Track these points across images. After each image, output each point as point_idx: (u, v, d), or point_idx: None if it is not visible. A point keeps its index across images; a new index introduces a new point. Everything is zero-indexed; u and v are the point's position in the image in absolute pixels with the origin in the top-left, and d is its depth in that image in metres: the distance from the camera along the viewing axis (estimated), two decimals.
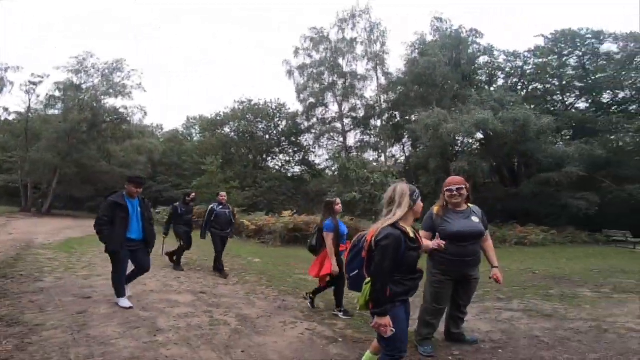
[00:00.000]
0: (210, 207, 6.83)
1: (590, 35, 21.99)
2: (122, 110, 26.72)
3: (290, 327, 3.74)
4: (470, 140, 20.55)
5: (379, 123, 24.07)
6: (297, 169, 29.46)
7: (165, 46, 74.26)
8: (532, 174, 20.61)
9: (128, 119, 27.28)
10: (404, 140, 24.21)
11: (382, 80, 23.72)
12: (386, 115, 23.86)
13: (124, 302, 4.11)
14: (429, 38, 22.02)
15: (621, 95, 22.67)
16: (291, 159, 29.54)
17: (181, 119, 75.23)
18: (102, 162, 26.76)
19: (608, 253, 12.06)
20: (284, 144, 28.27)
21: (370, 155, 25.01)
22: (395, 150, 25.14)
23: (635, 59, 20.50)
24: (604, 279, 6.57)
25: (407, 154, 24.45)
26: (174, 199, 25.99)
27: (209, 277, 6.26)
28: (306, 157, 28.34)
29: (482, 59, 23.88)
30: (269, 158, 29.28)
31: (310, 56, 24.79)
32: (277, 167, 29.62)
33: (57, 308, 3.89)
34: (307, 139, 27.40)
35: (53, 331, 3.18)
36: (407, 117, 22.81)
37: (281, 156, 29.56)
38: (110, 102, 26.46)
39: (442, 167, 19.03)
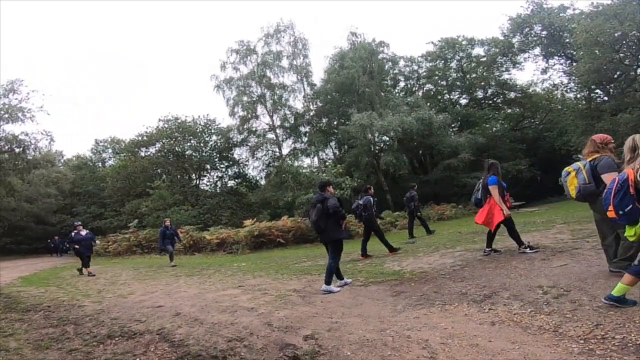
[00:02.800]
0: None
1: (465, 42, 27.34)
2: (22, 137, 23.29)
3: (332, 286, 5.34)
4: (387, 138, 24.04)
5: (308, 129, 26.08)
6: (231, 183, 29.80)
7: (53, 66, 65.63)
8: (436, 163, 25.02)
9: (31, 146, 24.01)
10: (332, 144, 27.01)
11: (308, 90, 25.64)
12: (315, 123, 26.07)
13: (335, 288, 5.06)
14: (346, 50, 24.78)
15: (490, 91, 28.80)
16: (224, 174, 29.77)
17: (85, 143, 67.03)
18: (7, 199, 23.28)
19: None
20: (215, 160, 28.39)
21: (302, 160, 26.88)
22: (325, 154, 27.61)
23: (497, 60, 26.04)
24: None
25: (336, 156, 27.16)
26: (100, 230, 24.23)
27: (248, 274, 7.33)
28: (241, 171, 28.85)
29: (387, 66, 27.70)
30: (202, 176, 29.02)
31: (237, 69, 25.23)
32: (208, 184, 29.50)
33: (153, 317, 4.75)
34: (240, 153, 27.92)
35: (189, 328, 4.20)
36: (335, 123, 25.58)
37: (212, 172, 29.54)
38: (7, 128, 23.06)
39: (370, 163, 22.24)
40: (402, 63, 28.73)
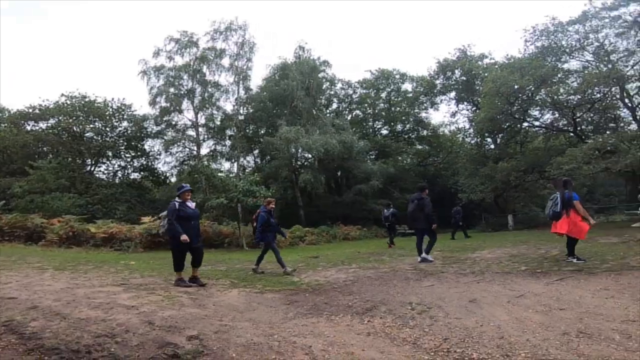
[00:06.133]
0: None
1: (398, 76, 29.68)
2: None
3: (228, 291, 5.27)
4: (310, 156, 24.74)
5: (233, 133, 25.33)
6: (135, 175, 27.07)
7: None
8: (350, 186, 26.52)
9: None
10: (255, 152, 26.63)
11: (242, 94, 25.06)
12: (242, 127, 25.46)
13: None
14: (290, 62, 25.01)
15: (408, 126, 31.67)
16: (128, 164, 26.96)
17: None
18: None
19: (397, 240, 17.51)
20: (120, 147, 25.59)
21: (222, 164, 25.96)
22: (246, 160, 27.07)
23: (419, 98, 28.57)
24: (393, 251, 10.62)
25: (257, 165, 26.81)
26: None
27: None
28: (150, 164, 26.50)
29: (325, 85, 28.71)
30: (100, 162, 25.77)
31: (171, 58, 23.89)
32: (106, 172, 26.37)
33: (0, 309, 4.00)
34: (152, 145, 25.85)
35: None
36: (262, 132, 25.32)
37: (114, 161, 26.55)
38: None
39: (289, 177, 22.51)
40: (339, 85, 30.15)
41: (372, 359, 2.88)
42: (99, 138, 24.20)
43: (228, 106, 25.66)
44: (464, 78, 24.63)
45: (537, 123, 21.89)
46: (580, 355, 2.69)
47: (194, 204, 6.03)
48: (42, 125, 23.10)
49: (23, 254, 10.18)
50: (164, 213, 5.83)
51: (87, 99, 23.19)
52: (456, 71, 24.89)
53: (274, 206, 7.53)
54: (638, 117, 18.20)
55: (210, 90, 24.54)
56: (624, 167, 14.81)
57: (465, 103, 26.39)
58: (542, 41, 19.09)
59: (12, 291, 4.89)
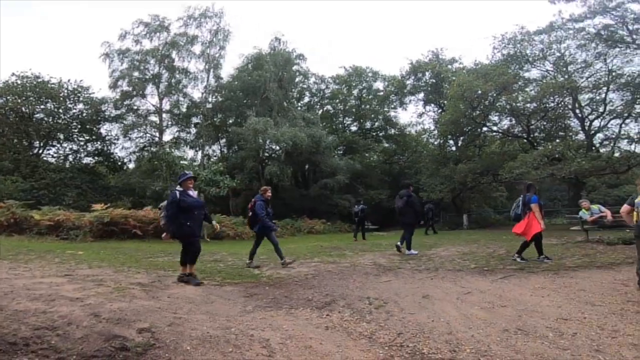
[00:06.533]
0: None
1: (371, 74, 29.94)
2: None
3: (182, 285, 5.07)
4: (278, 148, 24.47)
5: (199, 120, 24.57)
6: (88, 160, 25.36)
7: None
8: (317, 180, 26.62)
9: None
10: (221, 141, 25.89)
11: (212, 82, 24.41)
12: (210, 116, 24.76)
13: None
14: (264, 53, 24.52)
15: (376, 124, 32.15)
16: (80, 148, 25.24)
17: None
18: None
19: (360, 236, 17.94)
20: (74, 130, 23.90)
21: (185, 152, 25.18)
22: (212, 149, 26.35)
23: (390, 97, 29.02)
24: (354, 246, 10.84)
25: (222, 154, 26.13)
26: None
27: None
28: (106, 149, 25.00)
29: (298, 78, 28.50)
30: (49, 145, 23.89)
31: (139, 42, 22.85)
32: (56, 156, 24.49)
33: None
34: (110, 129, 24.52)
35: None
36: (230, 121, 24.66)
37: (65, 144, 24.74)
38: None
39: (255, 169, 22.15)
40: (312, 79, 29.98)
41: (329, 353, 2.90)
42: (50, 119, 22.42)
43: (196, 93, 25.19)
44: (434, 80, 25.29)
45: (495, 128, 23.11)
46: (517, 352, 2.87)
47: (196, 192, 5.49)
48: None
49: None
50: (164, 203, 5.34)
51: (40, 79, 21.58)
52: (427, 73, 25.48)
53: (270, 194, 7.15)
54: (586, 128, 19.78)
55: (178, 76, 23.74)
56: (568, 174, 16.09)
57: (432, 105, 27.10)
58: (508, 49, 19.94)
59: None
